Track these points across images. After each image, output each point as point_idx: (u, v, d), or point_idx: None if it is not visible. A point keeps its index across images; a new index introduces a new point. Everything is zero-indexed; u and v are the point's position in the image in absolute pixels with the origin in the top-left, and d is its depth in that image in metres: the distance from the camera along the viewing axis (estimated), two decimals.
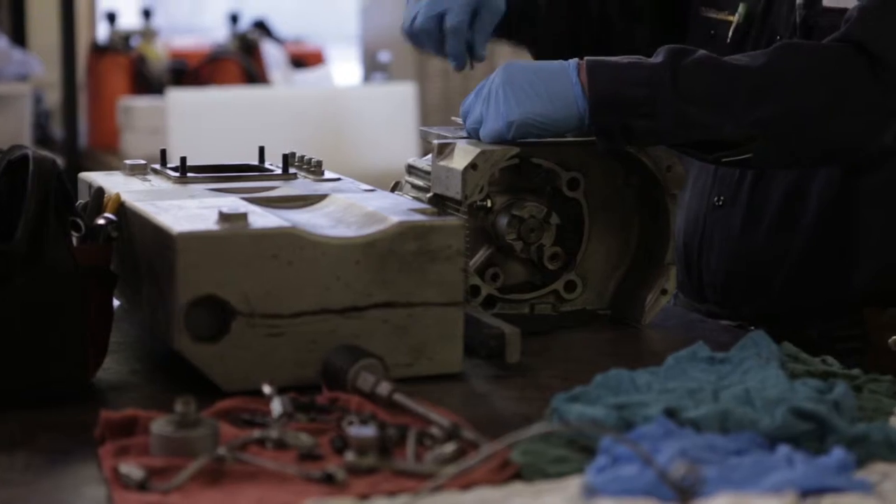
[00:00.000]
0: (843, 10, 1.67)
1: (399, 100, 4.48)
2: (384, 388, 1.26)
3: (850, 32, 1.60)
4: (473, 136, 1.65)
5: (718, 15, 1.86)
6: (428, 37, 1.73)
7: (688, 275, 1.87)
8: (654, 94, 1.57)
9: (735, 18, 1.83)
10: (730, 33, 1.83)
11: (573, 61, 1.61)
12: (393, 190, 1.77)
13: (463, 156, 1.61)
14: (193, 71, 5.05)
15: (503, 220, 1.65)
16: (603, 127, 1.60)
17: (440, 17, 1.71)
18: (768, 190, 1.77)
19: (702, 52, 1.61)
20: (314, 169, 1.74)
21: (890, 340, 1.72)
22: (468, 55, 1.75)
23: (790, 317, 1.77)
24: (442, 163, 1.64)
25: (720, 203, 1.82)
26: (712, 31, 1.87)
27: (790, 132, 1.61)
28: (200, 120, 4.17)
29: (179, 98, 4.25)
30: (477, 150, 1.59)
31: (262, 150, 1.78)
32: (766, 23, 1.80)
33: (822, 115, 1.60)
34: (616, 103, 1.58)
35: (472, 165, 1.59)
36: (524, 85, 1.59)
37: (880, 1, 1.62)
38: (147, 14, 5.12)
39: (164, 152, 1.74)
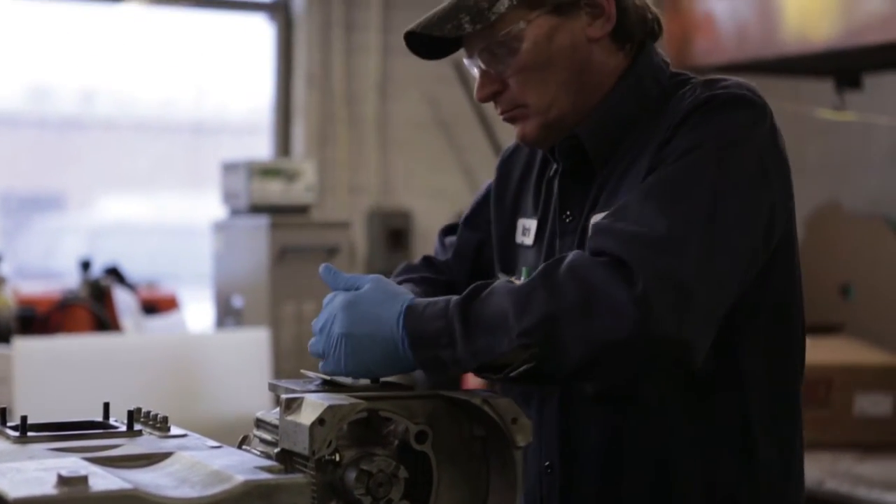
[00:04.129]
0: None
1: (252, 346, 4.48)
2: None
3: (604, 246, 1.66)
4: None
5: (511, 279, 1.92)
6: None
7: None
8: (449, 325, 1.69)
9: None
10: None
11: (406, 304, 1.73)
12: (241, 445, 1.76)
13: (311, 411, 1.61)
14: (43, 318, 4.98)
15: (351, 475, 1.65)
16: (421, 361, 1.72)
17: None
18: (587, 455, 1.83)
19: (499, 282, 1.72)
20: (160, 425, 1.72)
21: None
22: None
23: None
24: (289, 418, 1.63)
25: (549, 468, 1.87)
26: None
27: (553, 335, 1.64)
28: (49, 369, 4.10)
29: (27, 347, 4.17)
30: (324, 406, 1.60)
31: (106, 406, 1.76)
32: None
33: (577, 315, 1.63)
34: (423, 338, 1.71)
35: (320, 421, 1.59)
36: (362, 339, 1.73)
37: (633, 223, 1.68)
38: None
39: (3, 411, 1.71)
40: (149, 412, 1.75)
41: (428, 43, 1.89)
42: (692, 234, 1.66)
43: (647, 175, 1.74)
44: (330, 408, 1.60)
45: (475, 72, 1.88)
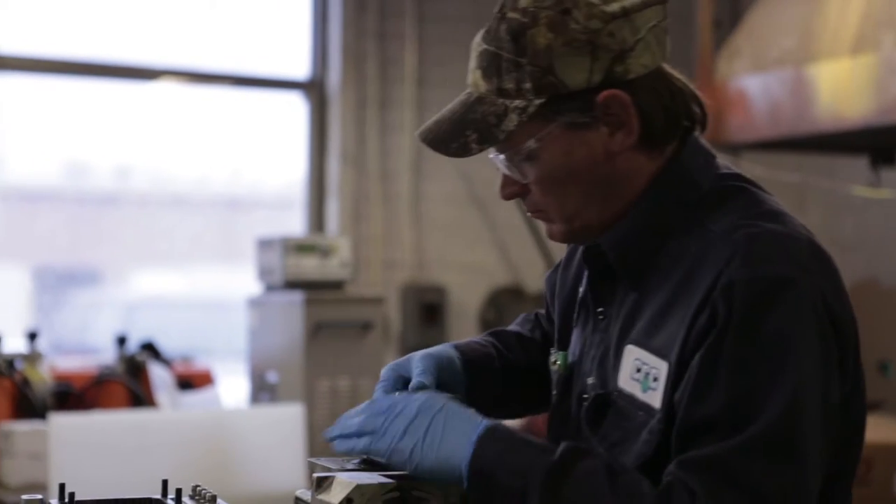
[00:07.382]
0: (631, 397, 1.66)
1: (286, 422, 4.48)
2: None
3: None
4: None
5: (554, 357, 1.87)
6: None
7: None
8: (527, 489, 1.56)
9: (558, 367, 1.85)
10: (554, 386, 1.85)
11: (483, 424, 1.62)
12: None
13: (339, 490, 1.61)
14: (78, 394, 4.97)
15: None
16: (475, 498, 1.61)
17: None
18: None
19: (597, 459, 1.58)
20: (208, 503, 1.71)
21: None
22: None
23: None
24: (320, 496, 1.64)
25: None
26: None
27: None
28: (84, 445, 4.11)
29: (62, 423, 4.17)
30: (353, 485, 1.60)
31: (165, 483, 1.73)
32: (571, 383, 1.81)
33: None
34: (490, 484, 1.59)
35: (348, 500, 1.59)
36: (430, 432, 1.62)
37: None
38: (33, 336, 5.08)
39: (62, 487, 1.67)
40: (196, 488, 1.74)
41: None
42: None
43: (690, 340, 1.60)
44: (358, 487, 1.60)
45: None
